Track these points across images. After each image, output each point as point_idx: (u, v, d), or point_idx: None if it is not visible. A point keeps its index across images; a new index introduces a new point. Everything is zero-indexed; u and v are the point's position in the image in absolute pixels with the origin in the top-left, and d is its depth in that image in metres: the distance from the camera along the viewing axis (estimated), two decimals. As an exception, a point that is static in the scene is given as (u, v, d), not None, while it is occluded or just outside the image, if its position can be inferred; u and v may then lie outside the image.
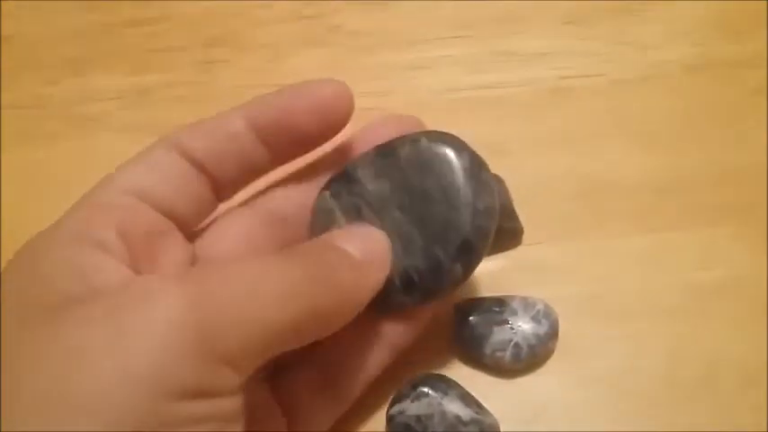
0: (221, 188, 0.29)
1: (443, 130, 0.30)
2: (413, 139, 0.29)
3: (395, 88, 0.42)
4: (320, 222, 0.30)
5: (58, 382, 0.20)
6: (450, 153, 0.29)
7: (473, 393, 0.31)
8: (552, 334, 0.32)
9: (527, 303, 0.33)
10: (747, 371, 0.32)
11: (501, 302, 0.33)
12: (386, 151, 0.29)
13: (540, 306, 0.32)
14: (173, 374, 0.20)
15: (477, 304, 0.33)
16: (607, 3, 0.44)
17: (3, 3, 0.47)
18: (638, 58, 0.42)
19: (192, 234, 0.30)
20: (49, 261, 0.24)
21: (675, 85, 0.41)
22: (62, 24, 0.46)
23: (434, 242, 0.28)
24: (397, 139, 0.30)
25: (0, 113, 0.42)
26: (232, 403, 0.22)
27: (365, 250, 0.27)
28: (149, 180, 0.27)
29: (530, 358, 0.32)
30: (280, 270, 0.24)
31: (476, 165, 0.29)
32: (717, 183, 0.37)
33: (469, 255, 0.28)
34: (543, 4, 0.44)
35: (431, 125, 0.40)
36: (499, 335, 0.32)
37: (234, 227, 0.30)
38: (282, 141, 0.29)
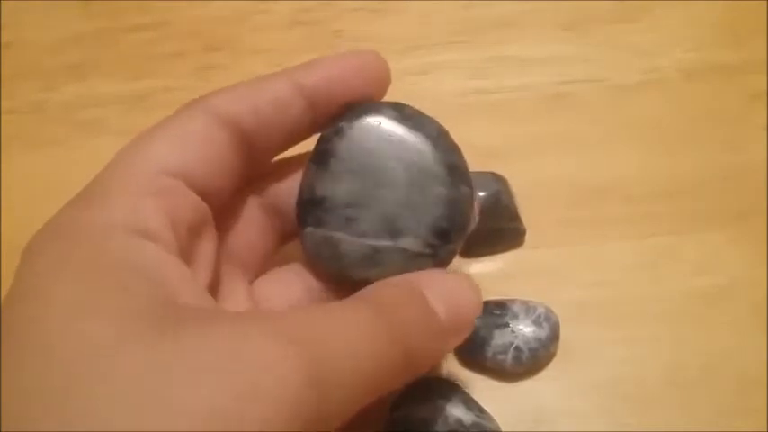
0: (258, 158, 0.27)
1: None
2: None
3: (395, 94, 0.41)
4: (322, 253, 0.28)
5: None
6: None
7: (474, 397, 0.31)
8: (553, 337, 0.32)
9: (528, 307, 0.33)
10: (746, 375, 0.32)
11: (502, 306, 0.33)
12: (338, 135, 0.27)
13: (540, 310, 0.33)
14: None
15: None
16: (606, 9, 0.44)
17: (4, 9, 0.47)
18: (638, 64, 0.42)
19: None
20: (112, 258, 0.21)
21: (674, 90, 0.41)
22: (62, 30, 0.46)
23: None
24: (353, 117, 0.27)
25: (0, 119, 0.43)
26: None
27: (452, 311, 0.25)
28: (191, 158, 0.24)
29: (531, 362, 0.32)
30: (370, 331, 0.22)
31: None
32: (716, 188, 0.38)
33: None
34: (543, 11, 0.45)
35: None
36: (500, 338, 0.32)
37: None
38: (331, 106, 0.27)
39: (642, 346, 0.33)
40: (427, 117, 0.28)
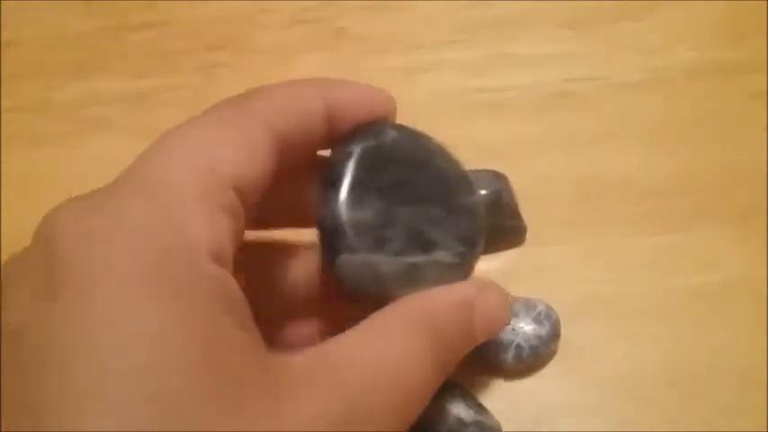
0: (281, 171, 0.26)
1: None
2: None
3: (398, 92, 0.41)
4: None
5: None
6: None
7: (475, 395, 0.31)
8: (554, 335, 0.32)
9: (528, 305, 0.33)
10: (748, 372, 0.32)
11: (503, 303, 0.33)
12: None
13: (541, 307, 0.33)
14: None
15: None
16: (608, 8, 0.44)
17: (5, 7, 0.47)
18: (640, 63, 0.42)
19: None
20: (201, 287, 0.20)
21: (676, 89, 0.41)
22: (65, 29, 0.46)
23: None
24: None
25: (3, 117, 0.43)
26: None
27: (487, 328, 0.26)
28: (256, 176, 0.23)
29: (532, 359, 0.32)
30: (421, 357, 0.23)
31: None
32: (718, 186, 0.38)
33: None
34: (546, 9, 0.45)
35: (435, 129, 0.40)
36: (501, 336, 0.32)
37: None
38: (346, 127, 0.27)
39: (643, 343, 0.33)
40: (426, 134, 0.29)
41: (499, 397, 0.32)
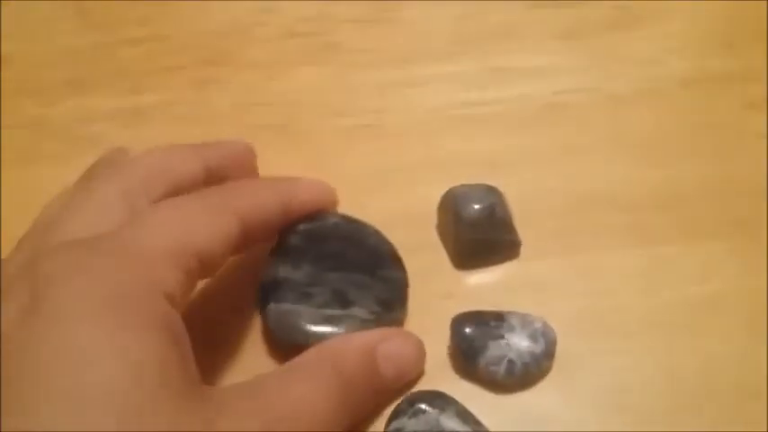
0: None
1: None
2: None
3: (391, 105, 0.42)
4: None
5: None
6: None
7: (470, 409, 0.31)
8: (548, 353, 0.32)
9: (526, 321, 0.33)
10: (743, 384, 0.32)
11: (499, 317, 0.33)
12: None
13: (538, 324, 0.32)
14: None
15: (475, 317, 0.33)
16: (602, 19, 0.45)
17: (1, 24, 0.48)
18: (633, 73, 0.42)
19: None
20: (150, 311, 0.26)
21: (670, 99, 0.41)
22: (60, 45, 0.47)
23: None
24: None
25: (-1, 134, 0.43)
26: None
27: (397, 373, 0.32)
28: (216, 247, 0.30)
29: (523, 375, 0.32)
30: (326, 390, 0.28)
31: None
32: (712, 197, 0.38)
33: None
34: (538, 21, 0.45)
35: (428, 141, 0.40)
36: (494, 350, 0.32)
37: None
38: (299, 214, 0.35)
39: (639, 356, 0.33)
40: (364, 221, 0.36)
41: (495, 412, 0.32)
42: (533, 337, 0.32)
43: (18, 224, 0.33)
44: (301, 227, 0.34)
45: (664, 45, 0.43)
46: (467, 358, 0.32)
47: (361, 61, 0.44)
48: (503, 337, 0.32)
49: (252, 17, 0.47)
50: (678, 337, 0.33)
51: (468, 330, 0.32)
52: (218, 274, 0.33)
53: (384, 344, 0.31)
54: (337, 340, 0.31)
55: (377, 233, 0.35)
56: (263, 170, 0.37)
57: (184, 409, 0.24)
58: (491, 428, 0.31)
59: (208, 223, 0.29)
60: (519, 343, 0.32)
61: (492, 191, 0.35)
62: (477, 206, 0.34)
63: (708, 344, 0.33)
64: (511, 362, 0.32)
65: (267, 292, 0.33)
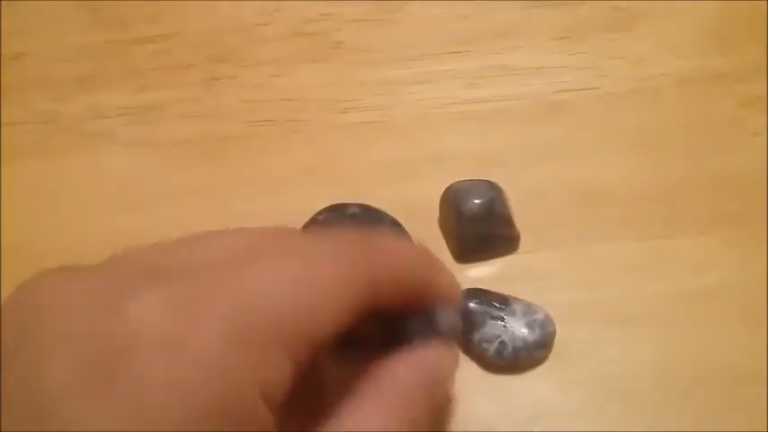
0: None
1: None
2: None
3: (396, 103, 0.43)
4: None
5: None
6: None
7: (468, 390, 0.31)
8: (542, 344, 0.33)
9: (529, 309, 0.33)
10: (738, 374, 0.33)
11: (504, 301, 0.33)
12: None
13: (539, 315, 0.33)
14: None
15: (481, 294, 0.34)
16: (600, 18, 0.45)
17: (11, 20, 0.48)
18: (631, 72, 0.43)
19: None
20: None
21: (667, 97, 0.42)
22: (72, 42, 0.47)
23: None
24: None
25: (9, 129, 0.43)
26: None
27: (431, 392, 0.26)
28: (332, 325, 0.22)
29: (512, 359, 0.32)
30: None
31: None
32: (708, 192, 0.38)
33: None
34: (539, 21, 0.45)
35: (431, 138, 0.41)
36: (490, 328, 0.32)
37: None
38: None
39: (635, 346, 0.34)
40: (380, 210, 0.36)
41: (491, 398, 0.32)
42: (531, 325, 0.33)
43: (26, 218, 0.33)
44: (321, 216, 0.34)
45: (661, 44, 0.44)
46: (464, 331, 0.33)
47: (365, 59, 0.45)
48: (502, 318, 0.33)
49: (260, 16, 0.47)
50: (673, 328, 0.34)
51: (471, 304, 0.33)
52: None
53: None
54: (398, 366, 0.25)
55: (394, 221, 0.35)
56: (268, 165, 0.37)
57: None
58: (488, 414, 0.31)
59: (334, 294, 0.22)
60: (516, 328, 0.33)
61: (492, 186, 0.36)
62: (477, 201, 0.35)
63: (703, 334, 0.34)
64: (503, 343, 0.32)
65: None
